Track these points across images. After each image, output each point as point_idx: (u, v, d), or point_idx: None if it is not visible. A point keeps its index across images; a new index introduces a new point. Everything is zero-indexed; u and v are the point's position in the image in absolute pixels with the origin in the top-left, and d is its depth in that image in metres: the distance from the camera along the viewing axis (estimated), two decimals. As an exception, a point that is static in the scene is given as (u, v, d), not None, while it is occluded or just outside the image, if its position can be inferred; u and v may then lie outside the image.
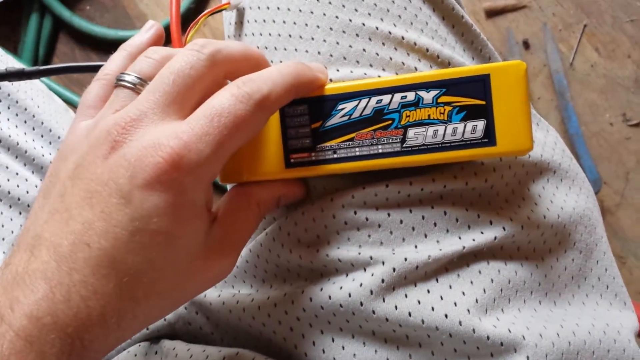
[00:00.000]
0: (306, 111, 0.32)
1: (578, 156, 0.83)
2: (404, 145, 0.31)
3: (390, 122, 0.31)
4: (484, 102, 0.30)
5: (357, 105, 0.31)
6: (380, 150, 0.31)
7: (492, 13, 0.89)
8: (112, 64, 0.32)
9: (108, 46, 1.02)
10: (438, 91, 0.30)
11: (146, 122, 0.27)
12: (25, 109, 0.48)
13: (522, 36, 0.88)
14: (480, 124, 0.30)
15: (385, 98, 0.31)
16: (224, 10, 0.40)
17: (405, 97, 0.31)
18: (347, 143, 0.31)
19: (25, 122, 0.48)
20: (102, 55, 1.02)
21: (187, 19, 0.98)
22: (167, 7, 1.03)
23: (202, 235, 0.28)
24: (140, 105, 0.27)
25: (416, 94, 0.31)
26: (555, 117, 0.86)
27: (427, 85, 0.30)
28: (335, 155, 0.32)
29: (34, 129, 0.48)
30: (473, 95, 0.30)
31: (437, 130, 0.30)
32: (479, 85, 0.30)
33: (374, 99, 0.31)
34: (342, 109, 0.31)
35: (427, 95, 0.30)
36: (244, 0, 0.40)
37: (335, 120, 0.32)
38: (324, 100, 0.32)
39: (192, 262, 0.28)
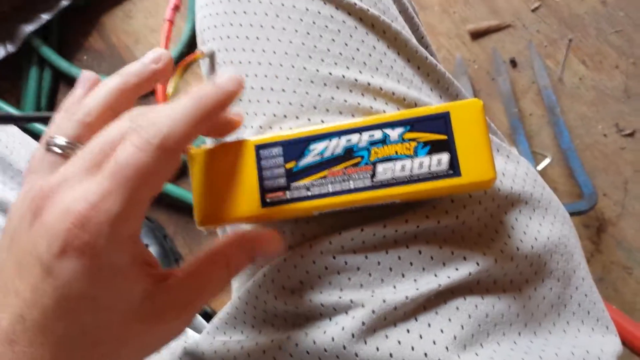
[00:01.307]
0: (280, 152, 0.33)
1: (572, 170, 0.83)
2: (374, 180, 0.32)
3: (360, 159, 0.32)
4: (445, 137, 0.31)
5: (328, 145, 0.33)
6: (352, 186, 0.32)
7: (477, 35, 0.90)
8: (53, 127, 0.31)
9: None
10: (403, 128, 0.32)
11: (65, 187, 0.27)
12: (4, 158, 0.50)
13: (508, 55, 0.89)
14: (445, 157, 0.31)
15: (354, 137, 0.32)
16: (200, 59, 0.42)
17: (373, 135, 0.32)
18: (320, 180, 0.33)
19: (13, 178, 0.50)
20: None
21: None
22: (160, 52, 1.05)
23: (134, 296, 0.28)
24: (65, 170, 0.27)
25: (383, 132, 0.32)
26: (548, 132, 0.87)
27: (392, 124, 0.32)
28: (309, 193, 0.33)
29: (12, 177, 0.50)
30: (436, 130, 0.31)
31: (405, 164, 0.31)
32: (441, 122, 0.31)
33: (343, 138, 0.32)
34: (314, 149, 0.33)
35: (393, 133, 0.32)
36: (214, 48, 0.41)
37: (308, 159, 0.33)
38: (297, 142, 0.33)
39: (127, 325, 0.28)
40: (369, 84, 0.36)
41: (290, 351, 0.34)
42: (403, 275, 0.34)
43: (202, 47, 0.41)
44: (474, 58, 0.91)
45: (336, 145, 0.33)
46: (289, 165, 0.33)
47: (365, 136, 0.32)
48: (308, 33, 0.37)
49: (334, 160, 0.32)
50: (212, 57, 0.41)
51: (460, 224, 0.34)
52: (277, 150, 0.33)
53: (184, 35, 1.02)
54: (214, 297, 0.31)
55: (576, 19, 0.89)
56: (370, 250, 0.34)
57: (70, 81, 1.07)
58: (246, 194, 0.34)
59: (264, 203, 0.33)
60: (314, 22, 0.38)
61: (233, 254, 0.32)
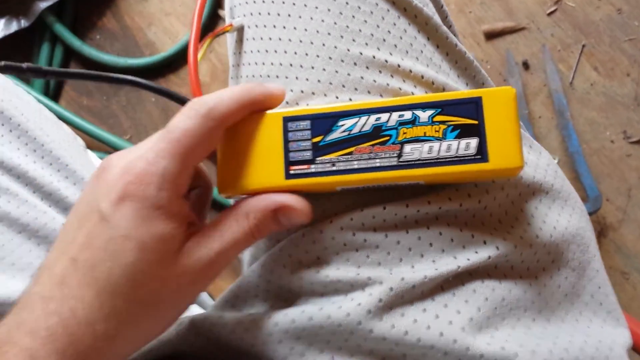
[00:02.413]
0: (308, 126, 0.34)
1: (579, 174, 0.83)
2: (400, 160, 0.32)
3: (387, 138, 0.32)
4: (476, 122, 0.31)
5: (357, 122, 0.33)
6: (377, 164, 0.32)
7: (492, 35, 0.91)
8: None
9: (118, 74, 1.04)
10: (434, 111, 0.32)
11: (127, 152, 0.32)
12: (35, 139, 0.50)
13: (521, 57, 0.90)
14: (474, 142, 0.31)
15: (384, 116, 0.33)
16: (227, 33, 0.42)
17: (403, 115, 0.32)
18: (346, 156, 0.33)
19: (35, 150, 0.50)
20: (112, 83, 1.04)
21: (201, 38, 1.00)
22: (174, 35, 1.05)
23: (173, 242, 0.31)
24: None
25: (413, 113, 0.32)
26: (556, 135, 0.87)
27: (423, 106, 0.32)
28: (333, 168, 0.33)
29: (42, 157, 0.50)
30: (466, 115, 0.32)
31: (433, 146, 0.32)
32: (472, 107, 0.32)
33: (373, 117, 0.33)
34: (343, 125, 0.33)
35: (424, 115, 0.32)
36: (244, 22, 0.41)
37: (335, 135, 0.33)
38: (326, 117, 0.33)
39: (165, 269, 0.31)
40: (398, 65, 0.36)
41: (304, 325, 0.34)
42: (422, 256, 0.34)
43: (232, 20, 0.42)
44: (487, 58, 0.91)
45: (365, 123, 0.33)
46: (316, 139, 0.33)
47: (395, 116, 0.32)
48: (341, 13, 0.38)
49: (362, 138, 0.33)
50: (240, 31, 0.42)
51: (482, 208, 0.35)
52: (305, 123, 0.34)
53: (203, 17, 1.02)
54: (237, 245, 0.33)
55: (591, 25, 0.89)
56: (390, 229, 0.34)
57: (81, 59, 1.07)
58: (270, 165, 0.34)
59: (288, 175, 0.34)
60: (347, 3, 0.38)
61: (250, 203, 0.33)
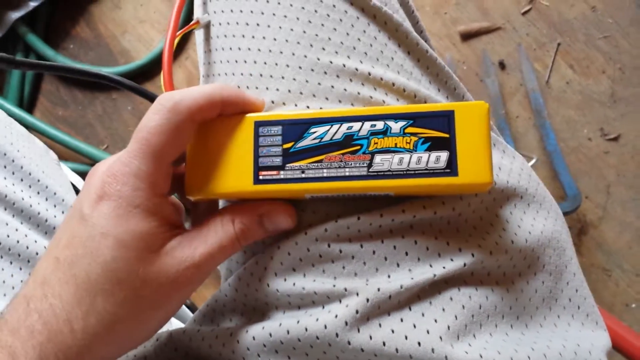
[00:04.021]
0: (279, 132, 0.33)
1: (557, 172, 0.84)
2: (370, 170, 0.32)
3: (358, 147, 0.32)
4: (447, 135, 0.31)
5: (328, 130, 0.33)
6: (347, 173, 0.32)
7: (467, 36, 0.91)
8: None
9: (92, 84, 1.03)
10: (405, 122, 0.32)
11: (109, 158, 0.33)
12: (5, 154, 0.49)
13: (497, 57, 0.90)
14: (444, 155, 0.31)
15: (356, 125, 0.32)
16: (194, 30, 0.42)
17: (375, 125, 0.32)
18: (316, 164, 0.32)
19: (5, 167, 0.49)
20: (87, 92, 1.03)
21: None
22: (149, 43, 1.04)
23: (152, 240, 0.31)
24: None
25: (385, 123, 0.32)
26: (534, 134, 0.88)
27: (395, 117, 0.32)
28: (303, 175, 0.33)
29: (13, 173, 0.49)
30: (438, 128, 0.31)
31: (403, 158, 0.31)
32: (444, 120, 0.31)
33: (345, 125, 0.32)
34: (314, 132, 0.33)
35: (395, 125, 0.32)
36: (211, 20, 0.41)
37: (306, 142, 0.33)
38: (298, 123, 0.33)
39: (145, 267, 0.31)
40: (369, 73, 0.36)
41: (281, 338, 0.34)
42: (398, 265, 0.34)
43: (200, 16, 0.41)
44: (464, 59, 0.91)
45: (337, 131, 0.33)
46: (287, 145, 0.33)
47: (367, 125, 0.32)
48: (310, 21, 0.37)
49: (333, 146, 0.32)
50: (209, 41, 0.41)
51: (456, 215, 0.34)
52: (277, 129, 0.33)
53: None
54: (221, 249, 0.33)
55: (565, 24, 0.90)
56: (365, 239, 0.34)
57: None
58: (239, 169, 0.34)
59: (257, 180, 0.33)
60: (315, 11, 0.38)
61: (236, 210, 0.34)
